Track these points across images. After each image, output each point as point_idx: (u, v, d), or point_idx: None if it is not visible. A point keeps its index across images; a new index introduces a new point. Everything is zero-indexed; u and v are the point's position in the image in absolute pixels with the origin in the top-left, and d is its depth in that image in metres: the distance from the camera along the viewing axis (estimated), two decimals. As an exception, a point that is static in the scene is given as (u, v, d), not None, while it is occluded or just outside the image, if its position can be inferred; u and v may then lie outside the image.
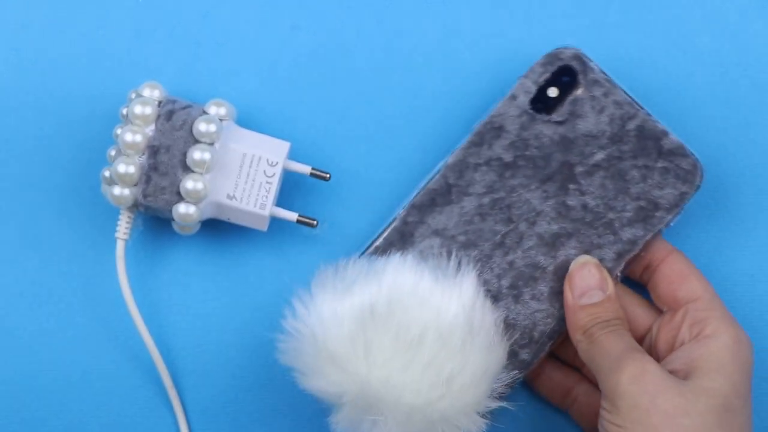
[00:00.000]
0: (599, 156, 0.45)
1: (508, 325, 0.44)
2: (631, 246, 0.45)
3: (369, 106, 0.50)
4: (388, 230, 0.45)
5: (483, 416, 0.43)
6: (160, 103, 0.46)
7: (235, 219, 0.47)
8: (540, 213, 0.45)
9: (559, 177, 0.45)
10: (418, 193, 0.46)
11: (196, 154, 0.45)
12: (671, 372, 0.41)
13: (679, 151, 0.45)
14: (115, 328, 0.49)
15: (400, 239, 0.45)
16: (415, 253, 0.44)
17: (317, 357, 0.42)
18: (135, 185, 0.45)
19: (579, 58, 0.46)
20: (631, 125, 0.45)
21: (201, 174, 0.45)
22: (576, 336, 0.43)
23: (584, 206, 0.45)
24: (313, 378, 0.42)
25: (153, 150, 0.45)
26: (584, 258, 0.45)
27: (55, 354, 0.49)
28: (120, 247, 0.47)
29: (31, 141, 0.50)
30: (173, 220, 0.46)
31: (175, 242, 0.50)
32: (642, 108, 0.45)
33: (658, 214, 0.45)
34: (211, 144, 0.45)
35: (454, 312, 0.42)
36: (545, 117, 0.45)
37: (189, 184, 0.45)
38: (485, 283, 0.45)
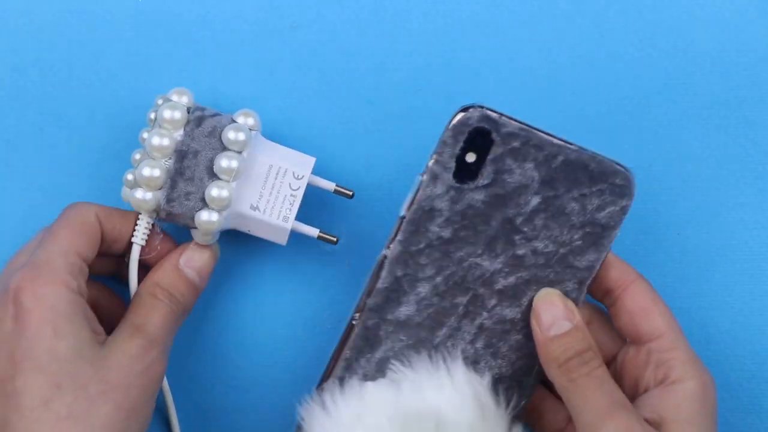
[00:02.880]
0: (535, 201, 0.44)
1: (496, 380, 0.45)
2: (589, 272, 0.45)
3: (393, 123, 0.51)
4: (352, 338, 0.45)
5: None
6: (189, 109, 0.46)
7: (255, 231, 0.47)
8: (494, 272, 0.45)
9: (503, 233, 0.45)
10: (368, 295, 0.45)
11: (224, 161, 0.45)
12: (648, 422, 0.41)
13: (608, 170, 0.44)
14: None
15: (366, 344, 0.45)
16: (392, 353, 0.45)
17: None
18: (159, 189, 0.45)
19: (486, 117, 0.44)
20: (557, 162, 0.44)
21: (227, 182, 0.45)
22: (551, 371, 0.43)
23: (534, 251, 0.45)
24: None
25: (180, 155, 0.45)
26: (545, 290, 0.44)
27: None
28: (135, 251, 0.46)
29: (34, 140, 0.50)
30: (193, 228, 0.46)
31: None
32: (562, 140, 0.44)
33: (605, 233, 0.45)
34: (240, 153, 0.45)
35: (469, 422, 0.42)
36: (472, 184, 0.44)
37: (214, 191, 0.44)
38: (462, 352, 0.45)
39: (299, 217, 0.47)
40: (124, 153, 0.49)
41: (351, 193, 0.47)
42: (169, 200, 0.45)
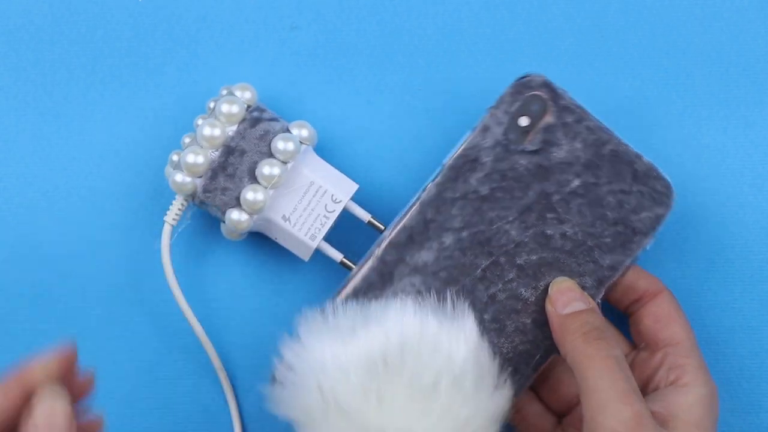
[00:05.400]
0: (575, 183, 0.44)
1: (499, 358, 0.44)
2: (612, 272, 0.44)
3: (392, 123, 0.50)
4: (365, 269, 0.44)
5: None
6: (248, 107, 0.46)
7: (282, 240, 0.47)
8: (519, 244, 0.44)
9: (537, 207, 0.44)
10: (394, 229, 0.45)
11: (267, 168, 0.45)
12: (656, 415, 0.41)
13: (652, 174, 0.44)
14: (160, 312, 0.50)
15: (380, 278, 0.44)
16: (402, 294, 0.44)
17: (324, 410, 0.41)
18: (199, 177, 0.45)
19: (547, 85, 0.45)
20: (605, 150, 0.44)
21: (265, 188, 0.45)
22: (566, 345, 0.42)
23: (563, 235, 0.44)
24: (318, 430, 0.41)
25: (228, 150, 0.45)
26: (562, 278, 0.44)
27: (101, 340, 0.50)
28: (167, 230, 0.47)
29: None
30: (223, 222, 0.46)
31: (219, 243, 0.50)
32: (613, 133, 0.45)
33: (636, 238, 0.44)
34: (285, 162, 0.45)
35: (464, 355, 0.42)
36: (519, 147, 0.44)
37: (250, 194, 0.45)
38: None
39: (328, 239, 0.47)
40: (123, 152, 0.50)
41: (383, 228, 0.47)
42: (205, 190, 0.45)
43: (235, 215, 0.45)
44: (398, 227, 0.45)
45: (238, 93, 0.46)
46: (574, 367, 0.42)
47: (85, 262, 0.49)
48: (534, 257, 0.44)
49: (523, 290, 0.44)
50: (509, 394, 0.43)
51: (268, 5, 0.51)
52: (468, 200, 0.44)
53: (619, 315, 0.47)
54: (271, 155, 0.45)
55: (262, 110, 0.46)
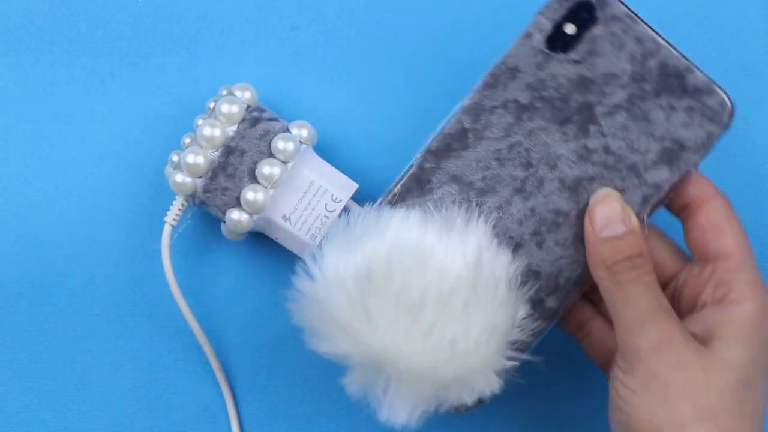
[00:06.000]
0: (620, 95, 0.43)
1: (532, 273, 0.43)
2: (657, 190, 0.43)
3: (392, 123, 0.50)
4: (405, 177, 0.44)
5: (498, 374, 0.41)
6: (248, 107, 0.46)
7: (282, 240, 0.47)
8: (560, 157, 0.43)
9: (578, 119, 0.43)
10: (435, 137, 0.44)
11: (266, 168, 0.45)
12: (695, 336, 0.39)
13: (705, 88, 0.42)
14: (160, 312, 0.50)
15: (418, 186, 0.43)
16: (425, 205, 0.42)
17: (321, 320, 0.40)
18: (199, 177, 0.45)
19: None
20: (653, 62, 0.43)
21: (265, 188, 0.45)
22: (597, 272, 0.41)
23: (606, 149, 0.43)
24: (319, 340, 0.41)
25: (227, 150, 0.45)
26: (605, 191, 0.42)
27: (101, 340, 0.50)
28: (167, 230, 0.47)
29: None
30: (224, 222, 0.46)
31: (219, 244, 0.50)
32: (666, 42, 0.43)
33: (684, 155, 0.42)
34: (285, 162, 0.45)
35: (457, 272, 0.40)
36: (562, 56, 0.43)
37: (250, 194, 0.45)
38: (506, 230, 0.43)
39: (328, 238, 0.47)
40: (123, 152, 0.50)
41: None
42: (205, 190, 0.45)
43: (235, 215, 0.45)
44: (438, 135, 0.43)
45: (237, 93, 0.46)
46: (604, 293, 0.40)
47: (85, 262, 0.49)
48: (575, 170, 0.43)
49: (564, 204, 0.43)
50: (515, 310, 0.41)
51: (268, 5, 0.51)
52: (507, 109, 0.43)
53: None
54: (271, 155, 0.45)
55: (261, 110, 0.46)
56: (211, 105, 0.47)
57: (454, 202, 0.43)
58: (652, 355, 0.38)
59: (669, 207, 0.44)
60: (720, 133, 0.42)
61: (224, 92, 0.47)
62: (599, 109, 0.43)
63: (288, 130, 0.46)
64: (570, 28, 0.43)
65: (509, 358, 0.41)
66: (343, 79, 0.50)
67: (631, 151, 0.43)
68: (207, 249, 0.50)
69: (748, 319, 0.39)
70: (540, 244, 0.43)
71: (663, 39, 0.43)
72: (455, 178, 0.43)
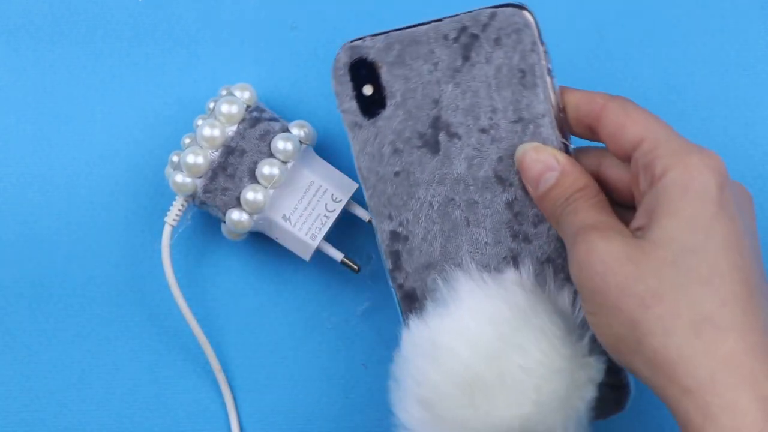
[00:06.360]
0: (448, 90, 0.42)
1: (545, 261, 0.42)
2: (545, 114, 0.41)
3: None
4: (398, 301, 0.44)
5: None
6: (248, 107, 0.46)
7: (282, 240, 0.47)
8: (464, 173, 0.42)
9: (442, 136, 0.42)
10: (382, 257, 0.43)
11: (266, 168, 0.45)
12: (637, 230, 0.37)
13: (488, 18, 0.41)
14: (160, 312, 0.50)
15: (408, 300, 0.43)
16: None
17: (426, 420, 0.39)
18: (199, 177, 0.45)
19: (353, 48, 0.42)
20: (440, 45, 0.41)
21: (265, 188, 0.45)
22: (552, 223, 0.40)
23: (482, 130, 0.42)
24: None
25: (227, 150, 0.45)
26: (522, 147, 0.41)
27: (101, 340, 0.50)
28: (167, 231, 0.47)
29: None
30: (224, 222, 0.46)
31: (219, 244, 0.50)
32: (431, 22, 0.42)
33: (528, 75, 0.41)
34: (285, 162, 0.45)
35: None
36: (387, 112, 0.42)
37: (250, 194, 0.45)
38: (496, 254, 0.43)
39: (328, 238, 0.47)
40: (123, 152, 0.50)
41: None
42: (206, 190, 0.45)
43: (235, 215, 0.45)
44: (382, 255, 0.43)
45: (237, 93, 0.46)
46: (562, 237, 0.40)
47: (85, 262, 0.49)
48: (486, 167, 0.42)
49: (505, 195, 0.42)
50: (598, 365, 0.40)
51: (268, 5, 0.51)
52: (399, 180, 0.42)
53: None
54: (271, 155, 0.45)
55: (261, 110, 0.46)
56: (211, 105, 0.47)
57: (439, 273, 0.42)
58: (581, 273, 0.37)
59: (588, 137, 0.41)
60: (535, 33, 0.41)
61: (224, 92, 0.47)
62: (446, 115, 0.42)
63: (288, 130, 0.46)
64: (368, 89, 0.42)
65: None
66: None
67: (497, 114, 0.42)
68: (207, 249, 0.50)
69: (674, 186, 0.36)
70: (527, 239, 0.43)
71: (427, 23, 0.42)
72: (429, 266, 0.43)
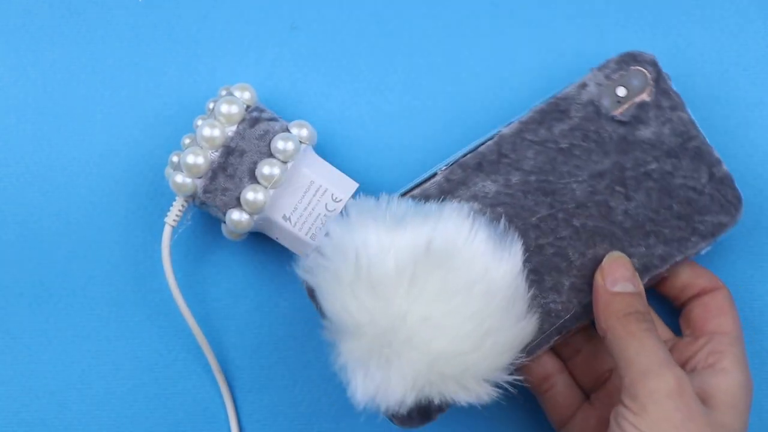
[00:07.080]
0: (652, 166, 0.45)
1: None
2: (660, 263, 0.45)
3: (392, 123, 0.50)
4: (428, 183, 0.44)
5: (495, 386, 0.42)
6: (248, 107, 0.46)
7: (282, 240, 0.47)
8: (581, 206, 0.44)
9: (609, 176, 0.45)
10: (467, 153, 0.45)
11: (266, 168, 0.45)
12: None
13: (727, 182, 0.45)
14: (160, 312, 0.50)
15: (438, 195, 0.44)
16: (468, 205, 0.43)
17: (354, 280, 0.41)
18: (199, 177, 0.45)
19: (655, 64, 0.45)
20: (690, 145, 0.45)
21: (265, 188, 0.45)
22: (610, 321, 0.42)
23: (626, 212, 0.44)
24: (339, 299, 0.41)
25: (227, 150, 0.45)
26: (618, 253, 0.44)
27: (101, 340, 0.50)
28: (167, 231, 0.47)
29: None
30: (224, 222, 0.46)
31: (219, 244, 0.50)
32: (701, 132, 0.45)
33: (693, 239, 0.44)
34: (285, 162, 0.45)
35: (503, 273, 0.41)
36: (610, 113, 0.45)
37: (250, 194, 0.45)
38: None
39: (328, 238, 0.47)
40: (123, 152, 0.50)
41: None
42: (206, 191, 0.45)
43: (235, 215, 0.45)
44: (471, 152, 0.45)
45: (237, 93, 0.46)
46: (613, 341, 0.42)
47: (85, 262, 0.49)
48: (591, 223, 0.44)
49: (571, 251, 0.44)
50: (533, 329, 0.43)
51: (268, 5, 0.51)
52: (546, 147, 0.45)
53: (669, 308, 0.48)
54: (271, 155, 0.45)
55: (261, 110, 0.46)
56: (211, 105, 0.47)
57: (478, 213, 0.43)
58: (668, 400, 0.40)
59: (675, 298, 0.47)
60: (730, 226, 0.45)
61: (224, 92, 0.47)
62: (630, 173, 0.44)
63: (288, 130, 0.46)
64: (621, 91, 0.45)
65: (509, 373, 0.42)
66: (343, 79, 0.50)
67: (648, 221, 0.44)
68: (207, 249, 0.50)
69: (739, 387, 0.43)
70: (536, 283, 0.44)
71: (698, 128, 0.45)
72: (477, 197, 0.44)
